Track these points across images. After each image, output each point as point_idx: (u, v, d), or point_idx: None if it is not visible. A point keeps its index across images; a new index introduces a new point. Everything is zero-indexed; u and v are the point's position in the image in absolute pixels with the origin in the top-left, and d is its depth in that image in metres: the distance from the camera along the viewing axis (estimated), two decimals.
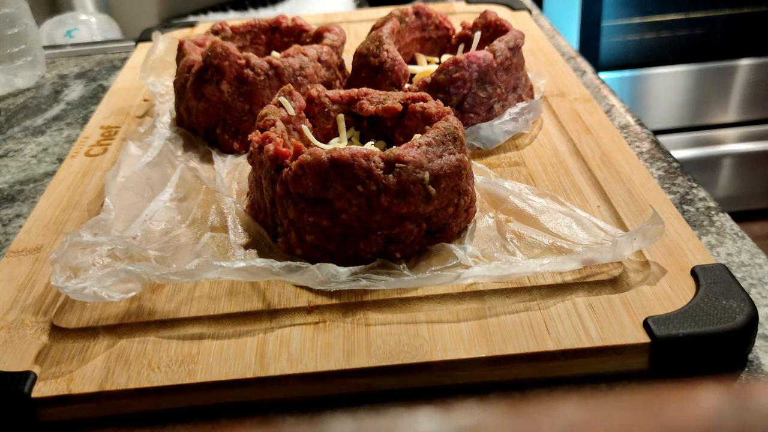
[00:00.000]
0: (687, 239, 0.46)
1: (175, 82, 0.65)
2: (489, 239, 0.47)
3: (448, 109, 0.50)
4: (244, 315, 0.43)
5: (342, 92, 0.54)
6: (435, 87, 0.58)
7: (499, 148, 0.59)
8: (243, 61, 0.59)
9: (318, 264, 0.43)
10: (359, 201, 0.44)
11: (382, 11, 0.91)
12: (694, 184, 0.55)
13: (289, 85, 0.54)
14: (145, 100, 0.72)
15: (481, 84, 0.59)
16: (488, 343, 0.39)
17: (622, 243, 0.43)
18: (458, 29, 0.69)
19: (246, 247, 0.48)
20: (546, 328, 0.40)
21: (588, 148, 0.58)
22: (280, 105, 0.52)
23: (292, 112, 0.52)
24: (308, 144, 0.52)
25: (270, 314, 0.43)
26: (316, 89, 0.54)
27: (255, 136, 0.49)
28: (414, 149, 0.45)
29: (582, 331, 0.40)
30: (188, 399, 0.39)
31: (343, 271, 0.43)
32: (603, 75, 1.51)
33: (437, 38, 0.70)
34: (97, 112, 0.71)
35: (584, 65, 0.80)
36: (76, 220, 0.53)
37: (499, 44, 0.60)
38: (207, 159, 0.60)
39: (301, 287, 0.44)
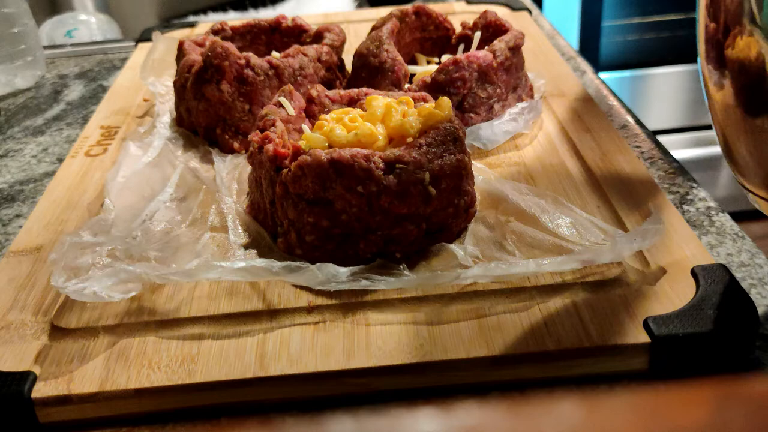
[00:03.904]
0: (687, 239, 0.46)
1: (175, 82, 0.65)
2: (489, 239, 0.47)
3: None
4: (244, 315, 0.43)
5: (342, 92, 0.54)
6: (435, 87, 0.58)
7: (499, 148, 0.59)
8: (243, 61, 0.59)
9: (318, 264, 0.43)
10: (359, 202, 0.44)
11: (382, 11, 0.90)
12: (694, 184, 0.55)
13: (289, 85, 0.54)
14: (145, 100, 0.72)
15: (481, 84, 0.59)
16: (488, 343, 0.39)
17: (622, 243, 0.43)
18: (458, 29, 0.69)
19: (246, 247, 0.48)
20: (546, 328, 0.40)
21: (588, 148, 0.58)
22: (280, 105, 0.52)
23: (292, 112, 0.52)
24: None
25: (270, 314, 0.43)
26: (316, 89, 0.54)
27: (255, 136, 0.49)
28: (414, 149, 0.45)
29: (582, 331, 0.40)
30: (188, 399, 0.39)
31: (343, 271, 0.43)
32: (603, 75, 1.50)
33: (437, 38, 0.70)
34: (97, 112, 0.71)
35: (584, 65, 0.80)
36: (76, 220, 0.53)
37: (499, 44, 0.60)
38: (207, 159, 0.60)
39: (301, 287, 0.44)
